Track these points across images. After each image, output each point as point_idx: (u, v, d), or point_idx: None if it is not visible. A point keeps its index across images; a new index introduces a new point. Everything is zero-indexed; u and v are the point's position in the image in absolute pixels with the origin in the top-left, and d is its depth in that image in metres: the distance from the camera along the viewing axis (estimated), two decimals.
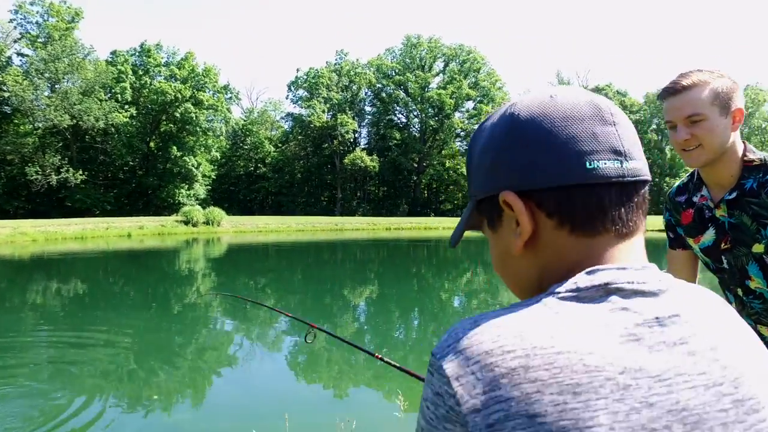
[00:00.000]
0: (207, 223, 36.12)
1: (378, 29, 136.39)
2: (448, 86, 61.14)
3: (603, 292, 0.51)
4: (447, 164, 61.01)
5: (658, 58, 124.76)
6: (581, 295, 0.51)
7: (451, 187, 62.88)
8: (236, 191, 61.12)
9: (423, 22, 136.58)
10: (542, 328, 0.48)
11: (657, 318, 0.51)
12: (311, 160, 62.70)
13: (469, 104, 64.32)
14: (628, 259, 0.55)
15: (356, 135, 66.27)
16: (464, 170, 57.66)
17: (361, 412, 4.89)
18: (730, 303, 1.63)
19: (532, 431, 0.44)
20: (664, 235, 1.92)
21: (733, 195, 1.49)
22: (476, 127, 0.64)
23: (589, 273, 0.53)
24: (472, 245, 30.27)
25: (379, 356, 2.00)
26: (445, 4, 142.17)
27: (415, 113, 64.79)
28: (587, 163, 0.53)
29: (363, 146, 66.42)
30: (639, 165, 0.56)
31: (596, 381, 0.45)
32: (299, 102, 62.70)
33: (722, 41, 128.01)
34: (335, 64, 64.20)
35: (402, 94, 63.43)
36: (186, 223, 35.49)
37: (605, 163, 0.54)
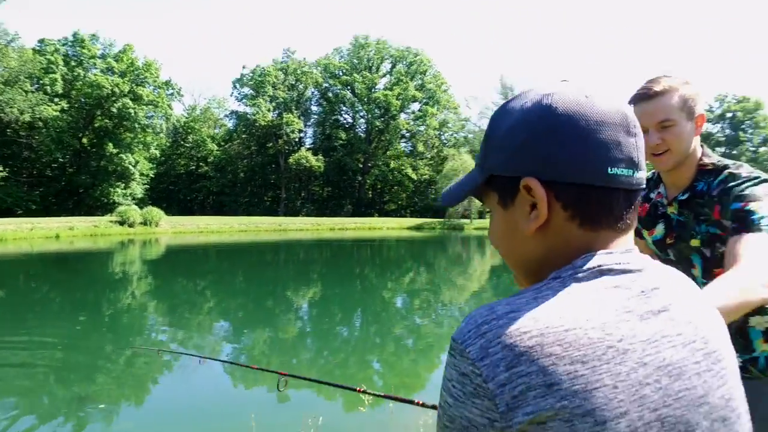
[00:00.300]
0: (144, 223, 34.74)
1: (326, 29, 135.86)
2: (394, 87, 61.62)
3: (597, 273, 0.59)
4: (392, 165, 61.47)
5: (597, 66, 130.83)
6: (580, 279, 0.59)
7: (396, 187, 63.39)
8: (176, 191, 59.07)
9: (371, 23, 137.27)
10: (551, 310, 0.55)
11: (642, 291, 0.60)
12: (255, 159, 61.53)
13: (415, 106, 65.06)
14: (610, 249, 0.62)
15: (302, 134, 65.65)
16: (409, 171, 58.51)
17: (327, 407, 4.89)
18: None
19: (550, 398, 0.52)
20: None
21: (686, 196, 1.59)
22: (500, 104, 0.68)
23: (584, 259, 0.60)
24: (415, 245, 30.66)
25: (361, 389, 1.90)
26: (393, 6, 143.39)
27: (362, 114, 64.90)
28: (609, 169, 0.59)
29: (308, 146, 65.84)
30: (644, 175, 0.63)
31: (599, 350, 0.54)
32: (244, 100, 61.46)
33: (660, 49, 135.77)
34: (282, 62, 63.31)
35: (349, 95, 63.38)
36: (121, 223, 33.99)
37: (622, 172, 0.60)
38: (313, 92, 65.64)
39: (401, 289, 14.20)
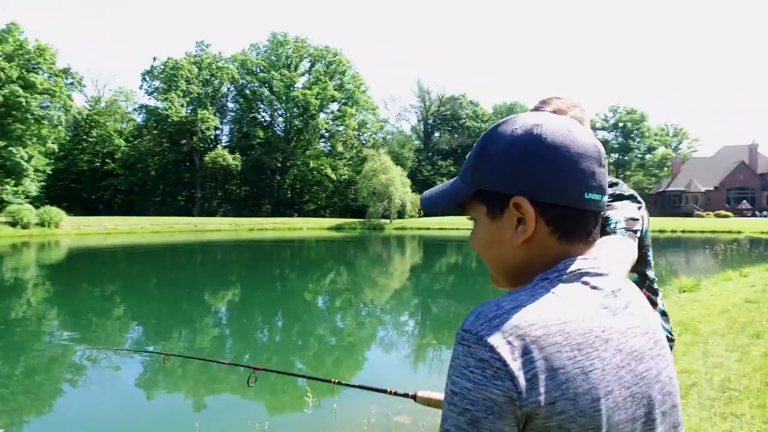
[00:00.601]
0: (41, 224, 32.10)
1: (241, 23, 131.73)
2: (313, 87, 61.17)
3: (578, 276, 0.71)
4: (311, 164, 61.05)
5: (507, 72, 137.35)
6: (564, 280, 0.70)
7: (315, 187, 63.05)
8: (79, 189, 55.04)
9: (288, 21, 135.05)
10: (549, 306, 0.66)
11: (612, 291, 0.72)
12: (168, 156, 58.69)
13: (334, 106, 65.04)
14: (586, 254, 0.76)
15: (218, 132, 63.52)
16: (328, 171, 58.29)
17: (272, 414, 4.86)
18: None
19: (556, 379, 0.62)
20: None
21: None
22: (491, 127, 0.78)
23: (565, 264, 0.72)
24: (335, 246, 30.73)
25: (336, 381, 1.92)
26: (310, 5, 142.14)
27: (280, 112, 63.90)
28: (585, 194, 0.72)
29: (225, 144, 63.84)
30: (606, 200, 0.76)
31: (590, 339, 0.66)
32: (155, 94, 58.33)
33: (568, 60, 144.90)
34: (195, 56, 60.74)
35: (266, 92, 62.12)
36: (13, 224, 31.18)
37: (594, 197, 0.73)
38: (229, 88, 63.71)
39: (322, 290, 14.26)
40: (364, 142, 66.68)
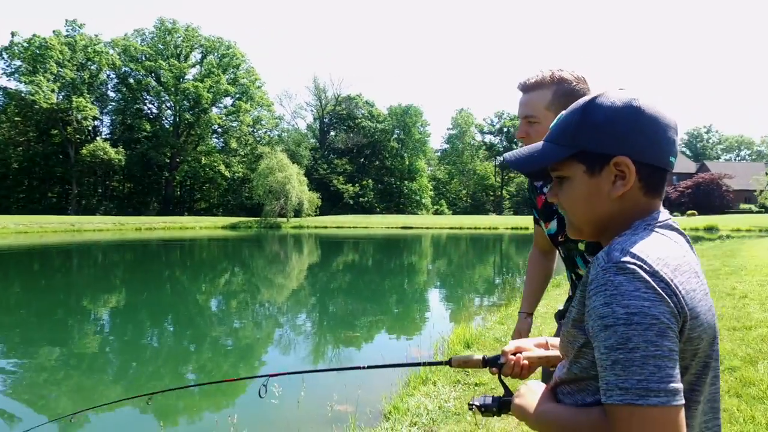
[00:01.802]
0: None
1: (122, 5, 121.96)
2: (205, 79, 58.42)
3: (669, 225, 0.89)
4: (203, 161, 58.31)
5: (401, 75, 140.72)
6: (662, 227, 0.88)
7: (207, 185, 60.32)
8: None
9: (176, 8, 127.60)
10: (669, 244, 0.85)
11: (685, 238, 0.91)
12: (35, 147, 52.94)
13: (228, 101, 62.70)
14: (662, 209, 0.93)
15: (97, 123, 58.52)
16: (221, 168, 56.04)
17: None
18: (570, 279, 1.93)
19: (694, 298, 0.80)
20: None
21: None
22: (585, 97, 0.92)
23: (657, 214, 0.90)
24: (230, 245, 29.64)
25: (365, 366, 1.71)
26: None
27: (169, 104, 60.27)
28: (670, 157, 0.89)
29: (106, 136, 58.97)
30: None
31: (692, 270, 0.84)
32: (16, 75, 51.93)
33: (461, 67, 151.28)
34: (67, 36, 55.08)
35: (153, 82, 58.22)
36: None
37: (672, 160, 0.90)
38: (109, 75, 58.85)
39: (216, 291, 13.73)
40: (259, 139, 64.97)
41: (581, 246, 1.73)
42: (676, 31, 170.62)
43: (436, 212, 69.05)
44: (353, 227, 45.96)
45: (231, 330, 9.04)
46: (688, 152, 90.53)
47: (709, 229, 37.82)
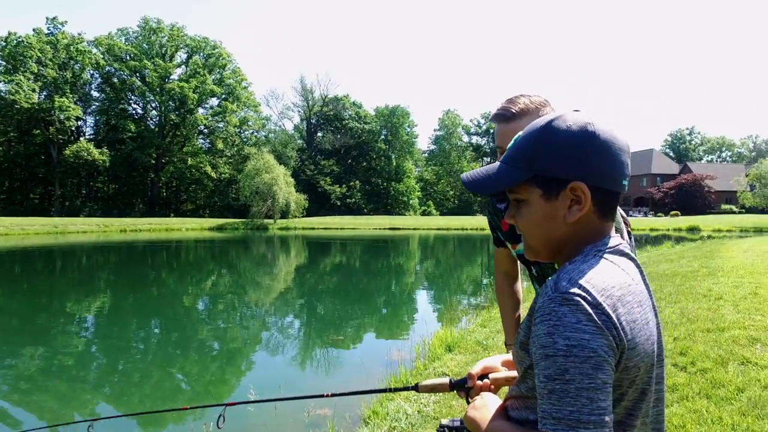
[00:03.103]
0: None
1: (105, 3, 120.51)
2: (191, 80, 57.96)
3: (619, 250, 0.92)
4: (189, 162, 57.90)
5: (388, 76, 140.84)
6: (612, 252, 0.90)
7: (194, 186, 59.86)
8: None
9: (162, 7, 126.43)
10: (616, 272, 0.87)
11: (636, 263, 0.94)
12: (15, 148, 52.22)
13: (214, 101, 62.23)
14: (613, 234, 0.95)
15: (80, 123, 57.81)
16: (208, 169, 55.54)
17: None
18: (538, 294, 1.88)
19: (634, 328, 0.83)
20: None
21: None
22: (542, 120, 0.92)
23: (608, 239, 0.92)
24: (217, 246, 29.48)
25: (329, 394, 1.64)
26: None
27: (154, 105, 59.75)
28: (622, 181, 0.91)
29: (89, 137, 58.28)
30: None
31: (641, 298, 0.88)
32: None
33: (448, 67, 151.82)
34: (49, 34, 54.29)
35: (138, 82, 57.59)
36: None
37: (625, 183, 0.91)
38: (93, 75, 58.13)
39: (202, 293, 13.68)
40: (245, 139, 64.57)
41: (557, 265, 1.73)
42: (660, 33, 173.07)
43: (423, 213, 69.21)
44: (341, 228, 45.91)
45: (212, 340, 9.01)
46: (671, 153, 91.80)
47: (692, 229, 38.47)
